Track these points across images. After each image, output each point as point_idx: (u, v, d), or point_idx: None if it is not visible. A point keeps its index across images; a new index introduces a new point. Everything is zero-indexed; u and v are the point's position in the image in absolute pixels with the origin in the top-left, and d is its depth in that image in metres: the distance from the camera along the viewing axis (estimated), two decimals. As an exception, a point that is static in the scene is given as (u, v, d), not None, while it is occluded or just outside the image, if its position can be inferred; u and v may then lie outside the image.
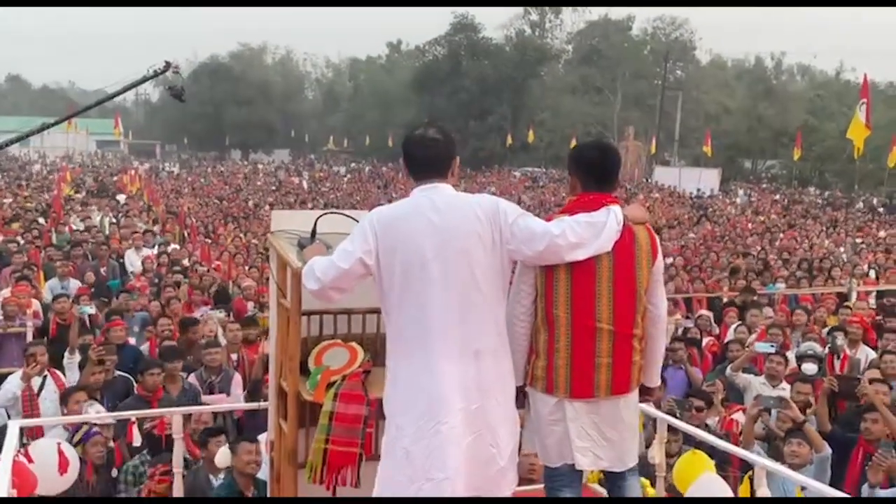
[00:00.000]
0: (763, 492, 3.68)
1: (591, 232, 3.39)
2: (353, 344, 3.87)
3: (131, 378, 7.69)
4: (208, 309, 10.70)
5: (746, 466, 4.29)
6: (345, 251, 3.29)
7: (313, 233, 3.74)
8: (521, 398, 3.60)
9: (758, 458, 3.86)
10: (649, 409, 4.76)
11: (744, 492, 4.52)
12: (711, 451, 4.86)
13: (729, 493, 4.01)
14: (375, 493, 3.33)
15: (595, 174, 3.62)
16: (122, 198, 28.26)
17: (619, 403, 3.54)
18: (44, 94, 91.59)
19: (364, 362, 3.76)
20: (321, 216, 3.83)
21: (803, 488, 6.02)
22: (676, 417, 6.75)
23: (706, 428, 6.95)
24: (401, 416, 3.28)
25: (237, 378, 8.00)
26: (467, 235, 3.27)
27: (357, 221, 3.55)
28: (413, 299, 3.25)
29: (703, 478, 4.01)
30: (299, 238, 3.74)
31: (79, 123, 51.20)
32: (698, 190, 40.15)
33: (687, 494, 4.07)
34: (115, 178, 36.77)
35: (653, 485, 4.53)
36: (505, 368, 3.40)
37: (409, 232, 3.26)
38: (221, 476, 5.72)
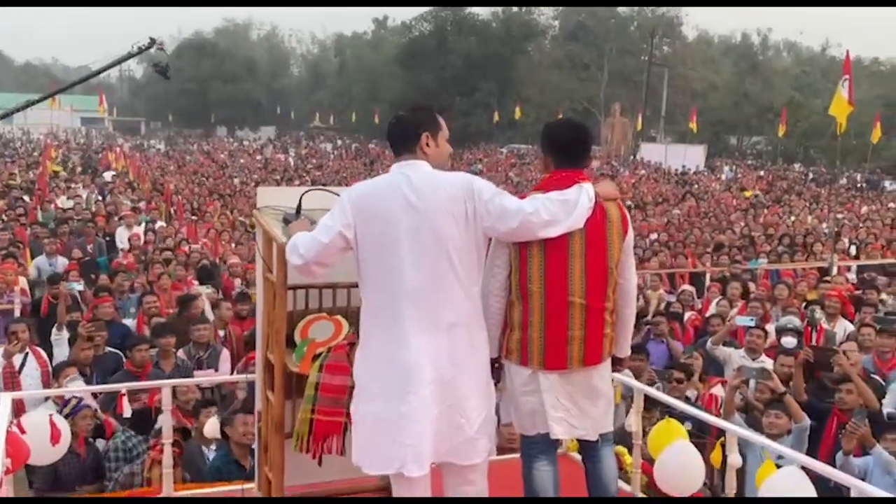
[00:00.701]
0: (734, 458, 3.81)
1: (563, 209, 3.48)
2: (338, 317, 3.96)
3: (121, 354, 7.76)
4: (196, 286, 10.77)
5: (723, 435, 4.40)
6: (325, 226, 3.40)
7: (298, 209, 3.81)
8: (498, 370, 3.71)
9: (729, 425, 3.99)
10: (627, 379, 4.88)
11: (715, 458, 4.67)
12: (692, 422, 5.00)
13: (699, 461, 4.15)
14: (353, 460, 3.45)
15: (566, 152, 3.71)
16: (108, 175, 28.18)
17: (591, 374, 3.65)
18: (27, 71, 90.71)
19: (349, 335, 3.85)
20: (306, 192, 3.91)
21: (779, 457, 6.26)
22: (657, 388, 6.92)
23: (686, 400, 7.12)
24: (372, 384, 3.39)
25: (225, 353, 8.08)
26: (441, 213, 3.36)
27: (339, 197, 3.64)
28: (387, 273, 3.35)
29: (676, 444, 4.14)
30: (284, 214, 3.82)
31: (63, 100, 50.83)
32: (684, 166, 40.28)
33: (658, 461, 4.20)
34: (99, 156, 36.58)
35: (630, 453, 4.66)
36: (479, 341, 3.50)
37: (384, 208, 3.36)
38: (213, 447, 5.84)
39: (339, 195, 3.86)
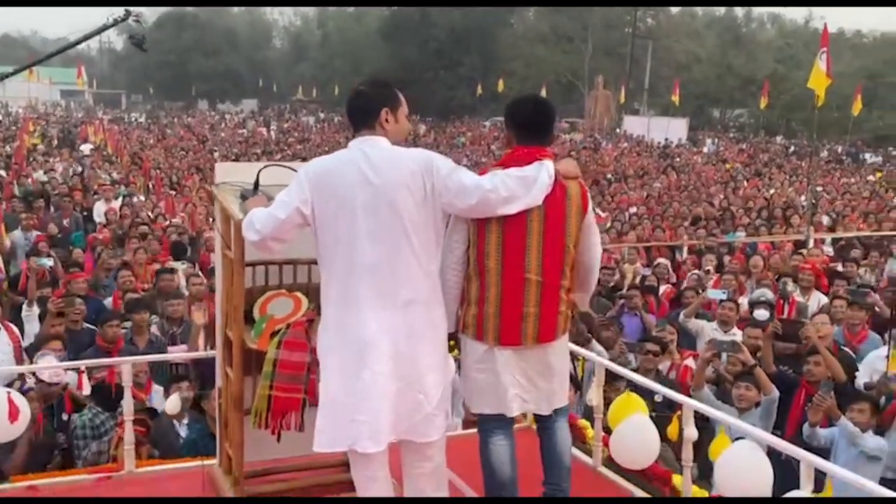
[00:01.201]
0: (690, 431, 3.83)
1: (522, 186, 3.47)
2: (298, 293, 3.95)
3: (96, 330, 7.73)
4: (171, 261, 10.72)
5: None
6: (282, 201, 3.37)
7: (256, 185, 3.79)
8: (455, 345, 3.75)
9: (685, 398, 4.01)
10: (588, 353, 4.91)
11: (672, 431, 4.70)
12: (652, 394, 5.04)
13: (655, 435, 4.18)
14: (315, 436, 3.44)
15: (529, 128, 3.70)
16: (86, 147, 27.91)
17: (546, 351, 3.67)
18: (4, 43, 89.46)
19: (308, 311, 3.85)
20: (263, 168, 3.88)
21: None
22: (628, 362, 6.97)
23: (657, 373, 7.17)
24: (330, 360, 3.40)
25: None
26: (399, 188, 3.35)
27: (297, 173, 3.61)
28: (344, 249, 3.34)
29: (633, 418, 4.17)
30: (242, 190, 3.79)
31: (41, 72, 50.22)
32: (666, 139, 40.30)
33: (614, 434, 4.23)
34: (78, 129, 36.23)
35: (592, 426, 4.70)
36: (436, 317, 3.50)
37: (341, 183, 3.35)
38: (185, 421, 5.85)
39: (295, 170, 3.85)
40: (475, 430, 3.71)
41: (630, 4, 52.69)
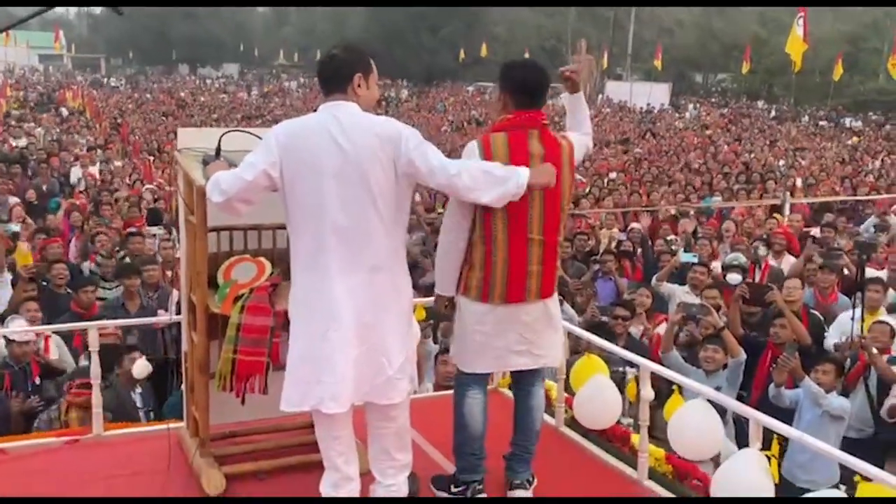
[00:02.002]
0: (646, 392, 3.92)
1: (485, 182, 3.46)
2: (262, 259, 3.98)
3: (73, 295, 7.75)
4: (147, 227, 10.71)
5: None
6: (249, 163, 3.36)
7: (217, 151, 3.79)
8: (451, 309, 3.87)
9: (644, 360, 4.07)
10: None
11: (630, 391, 4.80)
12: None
13: (617, 395, 4.27)
14: (282, 396, 3.48)
15: (529, 93, 3.78)
16: (64, 111, 27.69)
17: (547, 304, 3.83)
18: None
19: (271, 276, 3.88)
20: (225, 134, 3.89)
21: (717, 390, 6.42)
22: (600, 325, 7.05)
23: (628, 336, 7.27)
24: (298, 324, 3.43)
25: (175, 294, 8.08)
26: (369, 155, 3.36)
27: (260, 139, 3.62)
28: (311, 215, 3.35)
29: (594, 379, 4.26)
30: (204, 156, 3.80)
31: (19, 36, 49.50)
32: (648, 104, 40.27)
33: (577, 395, 4.32)
34: (56, 94, 35.87)
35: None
36: (401, 283, 3.54)
37: (310, 148, 3.34)
38: (139, 391, 5.91)
39: (257, 136, 3.86)
40: (444, 392, 3.80)
41: (629, 4, 52.25)
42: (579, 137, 3.95)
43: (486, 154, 3.65)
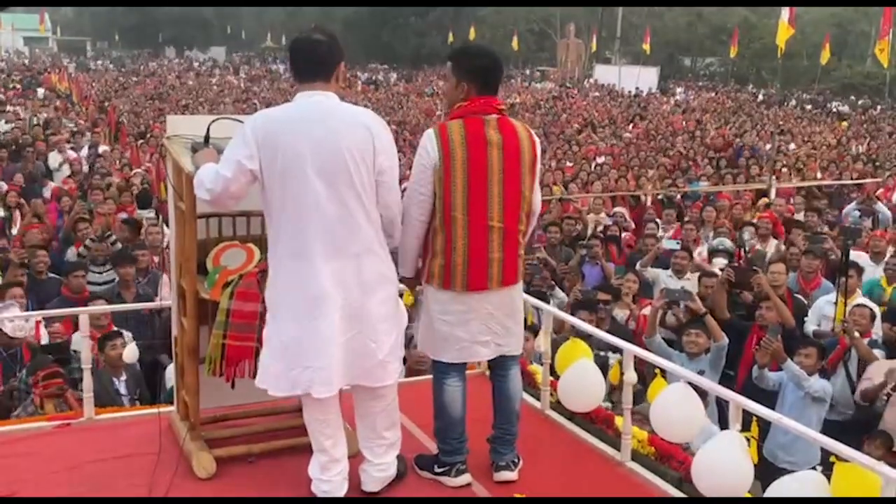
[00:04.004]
0: (629, 375, 3.99)
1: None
2: (251, 245, 4.02)
3: (62, 280, 7.77)
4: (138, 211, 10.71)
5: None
6: (227, 159, 3.41)
7: (206, 138, 3.83)
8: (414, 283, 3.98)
9: (627, 344, 4.15)
10: (538, 301, 5.05)
11: (613, 375, 4.88)
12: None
13: (600, 379, 4.34)
14: (257, 382, 3.56)
15: (486, 80, 3.82)
16: (40, 91, 27.48)
17: (510, 293, 3.86)
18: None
19: (260, 262, 3.92)
20: (214, 121, 3.92)
21: (700, 374, 6.50)
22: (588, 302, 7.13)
23: (612, 320, 7.35)
24: (281, 310, 3.48)
25: (165, 279, 8.10)
26: (347, 143, 3.41)
27: None
28: (294, 202, 3.39)
29: (579, 363, 4.33)
30: (192, 143, 3.84)
31: (3, 18, 49.10)
32: (637, 88, 40.27)
33: (561, 379, 4.39)
34: (40, 77, 35.62)
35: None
36: (386, 268, 3.61)
37: (290, 136, 3.37)
38: (124, 377, 5.94)
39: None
40: (419, 377, 3.84)
41: (628, 4, 52.05)
42: None
43: (443, 141, 3.68)
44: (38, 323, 6.07)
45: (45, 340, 6.14)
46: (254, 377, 3.76)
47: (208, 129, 3.85)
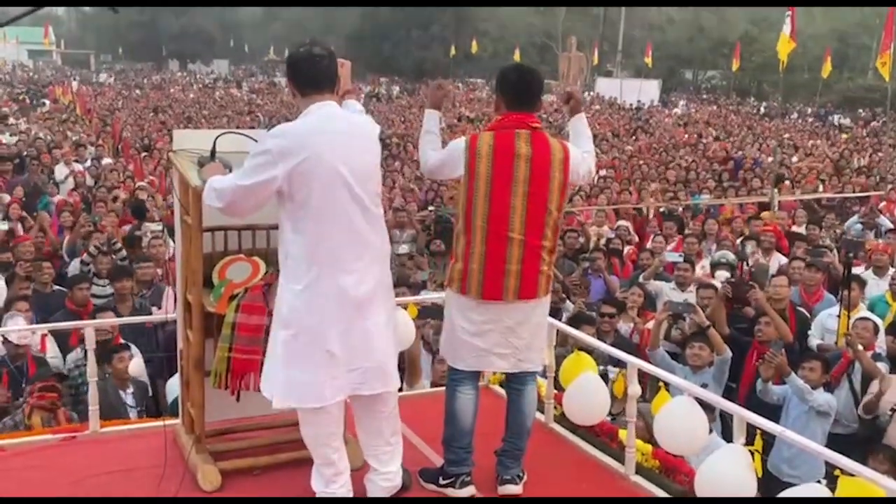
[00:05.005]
0: (634, 388, 4.00)
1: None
2: (256, 258, 4.04)
3: (66, 292, 7.77)
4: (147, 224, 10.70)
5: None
6: (247, 171, 3.41)
7: (213, 152, 3.86)
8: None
9: (630, 357, 4.17)
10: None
11: (618, 388, 4.88)
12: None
13: (605, 392, 4.35)
14: (286, 402, 3.52)
15: (518, 96, 3.88)
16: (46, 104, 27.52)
17: (526, 308, 3.87)
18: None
19: (266, 275, 3.94)
20: (220, 136, 3.95)
21: (703, 387, 6.50)
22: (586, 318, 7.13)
23: (616, 333, 7.35)
24: (322, 321, 3.45)
25: (168, 291, 8.11)
26: (368, 151, 3.56)
27: (256, 141, 3.69)
28: (330, 211, 3.42)
29: (583, 376, 4.34)
30: (199, 157, 3.86)
31: (8, 32, 49.27)
32: (639, 101, 40.34)
33: (566, 393, 4.41)
34: (45, 90, 35.75)
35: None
36: (390, 280, 3.76)
37: (321, 148, 3.39)
38: (131, 389, 5.95)
39: (253, 138, 3.93)
40: (436, 389, 3.86)
41: (627, 4, 52.26)
42: (581, 154, 3.95)
43: (471, 151, 3.76)
44: (43, 337, 6.08)
45: (51, 353, 6.15)
46: (259, 390, 3.77)
47: (215, 144, 3.88)
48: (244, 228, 4.11)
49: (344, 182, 3.41)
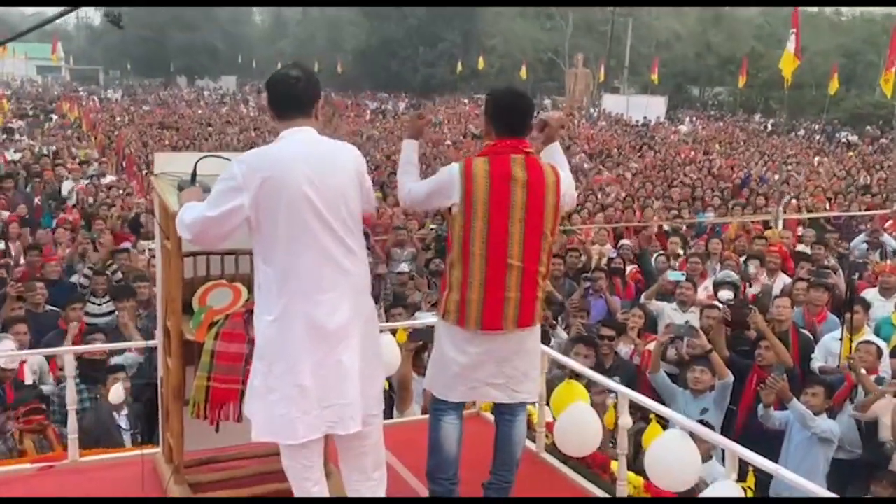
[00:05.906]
0: (625, 419, 3.90)
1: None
2: (238, 284, 3.95)
3: (61, 313, 7.70)
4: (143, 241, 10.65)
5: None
6: (214, 200, 3.31)
7: (193, 176, 3.77)
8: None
9: (619, 387, 4.06)
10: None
11: (608, 419, 4.76)
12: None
13: (597, 421, 4.24)
14: (264, 435, 3.40)
15: (509, 123, 3.78)
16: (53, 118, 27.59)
17: (527, 336, 3.80)
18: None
19: (248, 302, 3.84)
20: (201, 159, 3.86)
21: (704, 411, 6.38)
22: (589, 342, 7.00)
23: (615, 356, 7.22)
24: (294, 353, 3.33)
25: (162, 313, 8.03)
26: (342, 178, 3.40)
27: None
28: (301, 241, 3.31)
29: (574, 406, 4.23)
30: (179, 181, 3.78)
31: (17, 48, 49.60)
32: (645, 118, 40.28)
33: (558, 422, 4.30)
34: (53, 105, 35.89)
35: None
36: (372, 307, 3.61)
37: (289, 175, 3.28)
38: (125, 412, 5.84)
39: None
40: (422, 416, 3.76)
41: (627, 4, 52.36)
42: (570, 179, 3.90)
43: (467, 176, 3.65)
44: (21, 364, 5.97)
45: (28, 380, 6.04)
46: (238, 420, 3.68)
47: (195, 168, 3.79)
48: (226, 253, 4.02)
49: (311, 206, 3.29)
